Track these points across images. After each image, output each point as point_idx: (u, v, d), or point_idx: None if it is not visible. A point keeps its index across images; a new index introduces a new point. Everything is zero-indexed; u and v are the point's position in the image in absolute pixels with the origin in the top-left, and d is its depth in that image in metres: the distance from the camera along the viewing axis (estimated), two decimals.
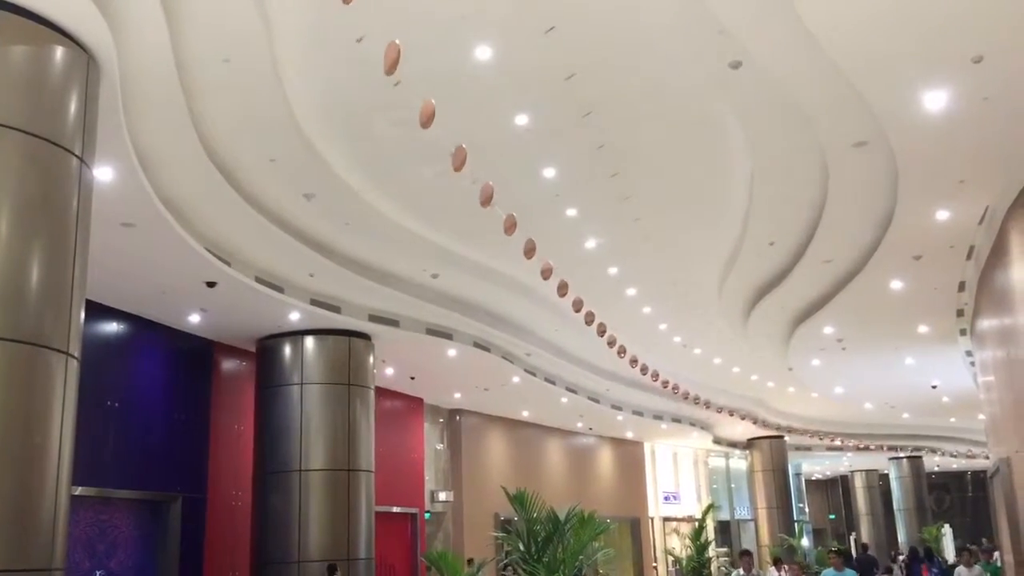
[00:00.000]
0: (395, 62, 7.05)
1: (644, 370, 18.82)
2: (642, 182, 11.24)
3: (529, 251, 10.31)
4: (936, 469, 43.38)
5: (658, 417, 25.71)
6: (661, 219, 12.50)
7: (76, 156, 6.14)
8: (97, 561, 12.15)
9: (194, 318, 13.36)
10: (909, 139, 9.06)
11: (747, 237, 12.89)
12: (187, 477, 13.78)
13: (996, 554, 21.57)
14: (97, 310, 12.28)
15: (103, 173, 8.23)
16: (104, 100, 6.83)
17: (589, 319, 14.47)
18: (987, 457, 28.75)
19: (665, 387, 20.91)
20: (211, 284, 11.76)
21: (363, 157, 10.16)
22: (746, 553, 11.30)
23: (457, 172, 8.47)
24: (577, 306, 13.34)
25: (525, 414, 23.48)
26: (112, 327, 12.72)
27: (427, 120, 7.69)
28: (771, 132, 9.78)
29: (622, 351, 17.32)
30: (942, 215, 11.20)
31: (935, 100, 8.18)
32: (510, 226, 10.01)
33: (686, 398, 22.70)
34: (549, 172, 10.78)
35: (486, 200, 9.16)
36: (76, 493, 11.60)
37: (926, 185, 10.27)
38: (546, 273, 11.62)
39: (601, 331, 15.44)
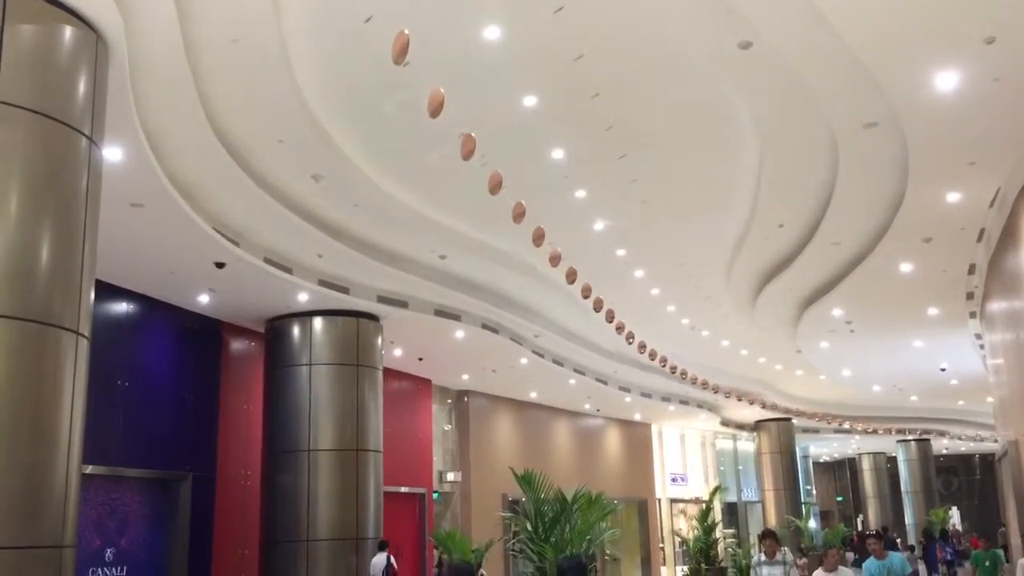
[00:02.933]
0: (403, 51, 6.98)
1: (653, 355, 18.82)
2: (650, 163, 11.21)
3: (538, 238, 10.27)
4: (944, 452, 43.40)
5: (666, 399, 25.75)
6: (669, 201, 12.47)
7: (85, 136, 6.14)
8: (107, 539, 12.25)
9: (203, 298, 13.41)
10: (920, 120, 9.02)
11: (756, 219, 12.85)
12: (196, 456, 13.87)
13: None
14: (106, 290, 12.32)
15: (112, 153, 8.24)
16: (113, 80, 6.83)
17: (598, 306, 14.47)
18: (995, 440, 28.72)
19: (673, 372, 20.91)
20: (220, 265, 11.79)
21: (371, 138, 10.16)
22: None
23: (466, 161, 8.42)
24: (586, 292, 13.33)
25: (533, 395, 23.53)
26: (121, 307, 12.77)
27: (436, 109, 7.61)
28: (781, 113, 9.73)
29: (631, 337, 17.34)
30: (952, 197, 11.15)
31: (946, 81, 8.13)
32: (519, 214, 9.98)
33: (694, 382, 22.73)
34: (557, 154, 10.75)
35: (495, 187, 9.11)
36: (86, 472, 11.69)
37: (937, 167, 10.22)
38: (555, 260, 11.58)
39: (610, 317, 15.43)
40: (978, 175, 10.39)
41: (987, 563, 14.61)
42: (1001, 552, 15.00)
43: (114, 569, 12.26)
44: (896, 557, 9.85)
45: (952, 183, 10.78)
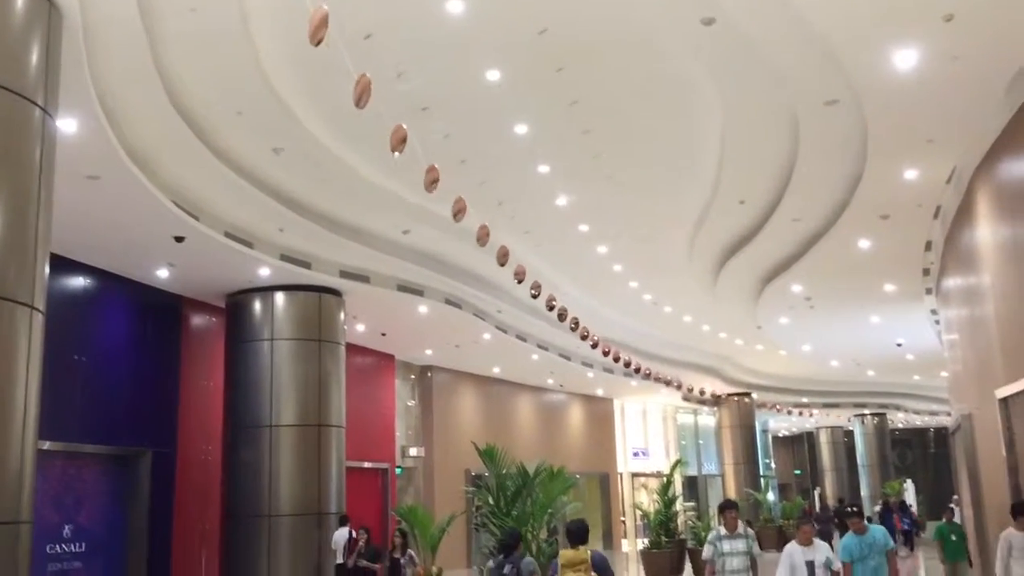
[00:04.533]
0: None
1: (595, 344, 18.99)
2: (614, 139, 11.22)
3: (458, 212, 9.79)
4: (900, 426, 44.19)
5: (628, 375, 25.93)
6: (633, 176, 12.50)
7: (39, 106, 6.02)
8: (65, 515, 12.14)
9: (162, 273, 13.24)
10: (879, 98, 9.11)
11: (718, 195, 12.93)
12: (156, 432, 13.75)
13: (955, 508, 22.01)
14: (63, 264, 12.13)
15: (67, 124, 8.08)
16: (67, 49, 6.69)
17: (533, 287, 14.51)
18: (949, 414, 29.33)
19: (617, 361, 21.06)
20: (179, 239, 11.65)
21: (332, 111, 10.05)
22: (730, 506, 8.32)
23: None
24: (520, 275, 13.34)
25: (496, 371, 23.59)
26: (78, 281, 12.58)
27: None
28: (743, 90, 9.77)
29: (584, 333, 17.50)
30: (910, 174, 11.30)
31: (905, 59, 8.21)
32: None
33: (627, 366, 22.90)
34: (521, 128, 10.72)
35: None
36: (43, 448, 11.56)
37: (895, 144, 10.34)
38: (502, 258, 11.33)
39: (560, 314, 15.52)
40: (935, 153, 10.53)
41: (953, 537, 13.25)
42: (963, 526, 13.74)
43: (72, 545, 12.15)
44: (878, 531, 8.93)
45: (910, 160, 10.92)
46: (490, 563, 8.24)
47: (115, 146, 8.86)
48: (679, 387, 27.55)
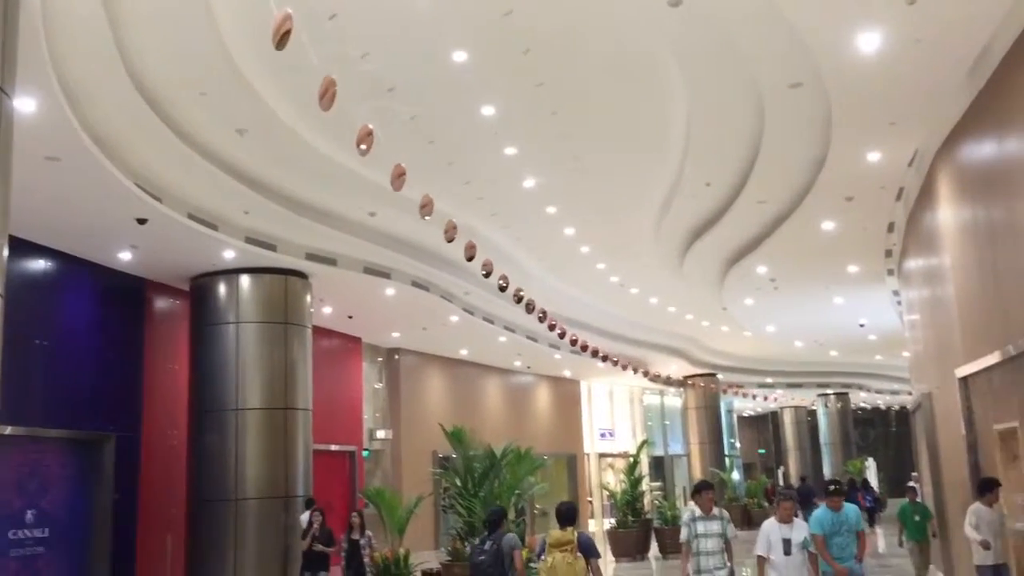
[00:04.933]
0: (282, 32, 6.49)
1: (563, 334, 19.15)
2: (581, 121, 11.22)
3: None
4: (862, 405, 44.87)
5: (595, 356, 26.04)
6: (600, 158, 12.52)
7: None
8: (28, 500, 11.99)
9: (125, 255, 13.08)
10: (843, 80, 9.18)
11: (684, 177, 13.00)
12: (120, 416, 13.62)
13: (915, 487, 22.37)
14: (23, 247, 11.94)
15: (25, 104, 7.93)
16: (24, 25, 6.53)
17: (518, 295, 14.60)
18: (910, 393, 29.79)
19: (585, 350, 21.20)
20: (142, 221, 11.50)
21: (297, 92, 9.93)
22: (706, 487, 7.95)
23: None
24: (487, 267, 13.36)
25: (463, 353, 23.60)
26: (39, 264, 12.39)
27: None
28: (709, 72, 9.81)
29: (552, 323, 17.60)
30: (873, 156, 11.41)
31: (869, 42, 8.27)
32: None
33: (584, 350, 23.01)
34: (488, 110, 10.69)
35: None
36: (5, 433, 11.42)
37: (858, 126, 10.44)
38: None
39: (528, 305, 15.57)
40: (898, 135, 10.64)
41: (916, 517, 13.06)
42: (929, 507, 13.36)
43: (36, 531, 12.02)
44: (851, 510, 8.77)
45: (873, 143, 11.03)
46: (476, 539, 8.39)
47: (75, 127, 8.71)
48: (646, 373, 27.80)
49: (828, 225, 14.72)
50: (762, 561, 7.81)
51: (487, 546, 7.85)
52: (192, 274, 14.28)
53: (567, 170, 12.92)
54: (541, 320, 17.27)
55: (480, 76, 9.82)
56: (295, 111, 10.32)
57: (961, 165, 9.71)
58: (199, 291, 14.42)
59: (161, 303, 14.87)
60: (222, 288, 14.18)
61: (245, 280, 14.17)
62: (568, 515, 7.72)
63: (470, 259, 11.71)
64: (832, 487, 9.02)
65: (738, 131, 11.25)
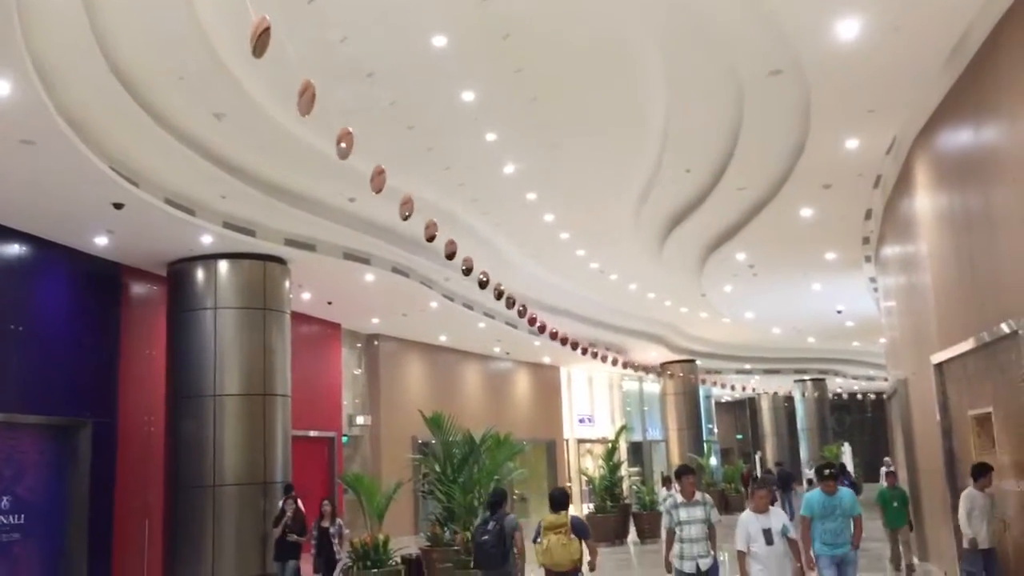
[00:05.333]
0: (256, 34, 6.41)
1: (543, 328, 19.22)
2: (561, 107, 11.20)
3: (377, 175, 9.50)
4: (838, 391, 45.24)
5: (574, 342, 26.09)
6: (579, 145, 12.50)
7: None
8: (3, 487, 11.90)
9: (101, 240, 12.96)
10: (822, 68, 9.21)
11: (664, 164, 13.01)
12: (97, 402, 13.53)
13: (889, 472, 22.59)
14: None
15: None
16: None
17: (498, 291, 14.59)
18: (886, 379, 30.05)
19: (565, 343, 21.29)
20: (118, 205, 11.39)
21: (275, 76, 9.84)
22: (687, 471, 7.88)
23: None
24: (467, 264, 13.39)
25: (443, 339, 23.59)
26: (13, 249, 12.26)
27: (253, 34, 6.65)
28: (688, 59, 9.81)
29: (532, 317, 17.69)
30: (851, 144, 11.47)
31: (848, 28, 8.30)
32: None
33: (584, 352, 23.21)
34: (468, 95, 10.64)
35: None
36: None
37: (837, 114, 10.48)
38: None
39: (508, 300, 15.63)
40: (876, 122, 10.70)
41: (895, 503, 12.63)
42: (906, 491, 13.04)
43: (11, 517, 11.94)
44: (847, 494, 8.38)
45: (851, 130, 11.08)
46: (477, 520, 8.67)
47: (50, 110, 8.61)
48: (625, 364, 27.95)
49: (806, 212, 14.79)
50: (743, 556, 7.41)
51: (490, 526, 8.12)
52: (169, 259, 14.18)
53: (547, 156, 12.90)
54: (521, 315, 17.34)
55: (460, 61, 9.78)
56: (273, 96, 10.23)
57: (938, 152, 9.78)
58: (176, 276, 14.32)
59: (138, 288, 14.76)
60: (200, 274, 14.09)
61: (223, 266, 14.08)
62: (561, 500, 8.02)
63: (430, 239, 11.72)
64: (827, 471, 8.63)
65: (718, 118, 11.27)
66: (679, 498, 7.74)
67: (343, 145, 7.80)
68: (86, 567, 13.03)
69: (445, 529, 10.49)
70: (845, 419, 48.79)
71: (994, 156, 7.87)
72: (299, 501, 10.94)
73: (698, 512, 7.66)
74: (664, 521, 7.79)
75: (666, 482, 19.17)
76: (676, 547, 7.66)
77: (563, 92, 10.74)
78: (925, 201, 10.52)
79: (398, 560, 9.78)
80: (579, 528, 7.87)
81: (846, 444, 41.12)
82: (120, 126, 10.08)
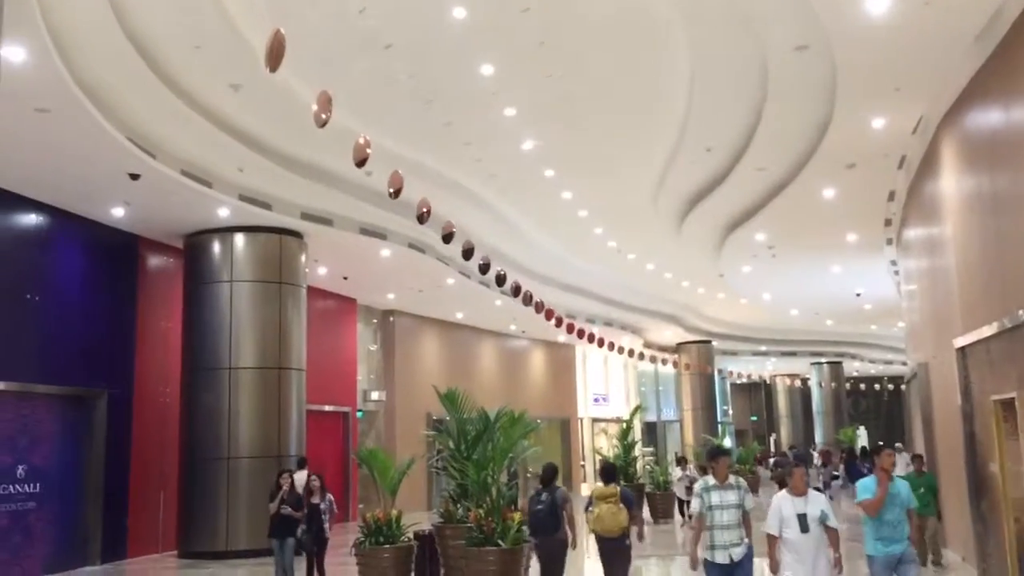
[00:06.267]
0: (276, 55, 6.49)
1: (559, 321, 19.24)
2: (581, 82, 11.05)
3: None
4: (855, 374, 44.98)
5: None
6: (600, 121, 12.35)
7: None
8: (19, 456, 11.94)
9: (118, 211, 12.93)
10: (850, 43, 9.01)
11: (685, 142, 12.84)
12: (113, 373, 13.55)
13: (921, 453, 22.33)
14: (14, 201, 11.82)
15: (14, 53, 7.77)
16: None
17: (516, 288, 14.58)
18: (903, 363, 29.79)
19: (582, 336, 21.26)
20: (134, 176, 11.34)
21: (295, 47, 9.72)
22: (721, 452, 7.30)
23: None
24: (467, 255, 13.42)
25: (459, 316, 23.53)
26: (31, 219, 12.25)
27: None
28: (713, 34, 9.63)
29: (540, 305, 17.72)
30: (877, 123, 11.27)
31: (877, 3, 8.10)
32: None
33: (591, 340, 23.29)
34: (487, 69, 10.50)
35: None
36: None
37: (864, 91, 10.28)
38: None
39: (526, 295, 15.62)
40: (903, 101, 10.49)
41: (922, 489, 10.70)
42: (934, 478, 11.66)
43: (27, 486, 11.99)
44: (902, 484, 7.34)
45: (878, 109, 10.87)
46: (531, 492, 9.03)
47: (65, 77, 8.55)
48: (641, 356, 27.98)
49: (829, 193, 14.59)
50: (773, 540, 6.66)
51: (543, 497, 8.64)
52: (186, 231, 14.15)
53: (567, 132, 12.76)
54: (527, 303, 17.40)
55: (480, 34, 9.64)
56: (290, 66, 10.11)
57: (966, 133, 9.58)
58: (193, 249, 14.30)
59: (155, 260, 14.75)
60: (216, 246, 14.07)
61: (239, 239, 14.06)
62: (611, 473, 8.83)
63: (448, 239, 11.78)
64: (882, 446, 7.54)
65: (741, 95, 11.09)
66: (711, 480, 7.01)
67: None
68: (100, 536, 13.11)
69: (458, 506, 10.44)
70: (860, 403, 48.54)
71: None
72: (294, 477, 10.70)
73: (731, 496, 6.88)
74: (694, 505, 7.04)
75: (680, 462, 19.09)
76: (705, 535, 6.89)
77: (584, 67, 10.59)
78: (951, 182, 10.32)
79: (411, 536, 9.74)
80: (628, 499, 8.48)
81: (861, 428, 40.94)
82: (136, 96, 10.01)
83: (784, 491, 6.80)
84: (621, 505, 8.38)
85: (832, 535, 6.60)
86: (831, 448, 32.46)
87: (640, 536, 8.85)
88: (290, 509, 10.10)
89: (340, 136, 11.93)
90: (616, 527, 8.33)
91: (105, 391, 13.35)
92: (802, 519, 6.55)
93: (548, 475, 8.92)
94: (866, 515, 7.20)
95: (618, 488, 8.52)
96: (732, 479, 7.03)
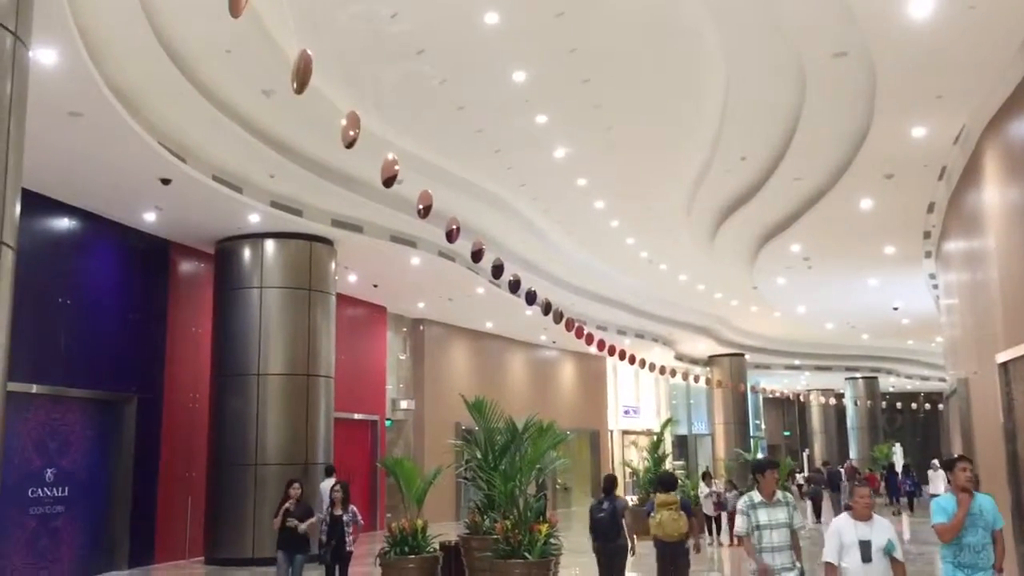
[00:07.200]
0: (304, 74, 6.46)
1: (590, 339, 19.14)
2: (614, 89, 10.90)
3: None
4: (891, 390, 44.26)
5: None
6: (632, 129, 12.20)
7: (10, 31, 5.70)
8: (48, 459, 11.97)
9: (149, 216, 12.97)
10: (891, 49, 8.80)
11: (719, 151, 12.65)
12: (143, 377, 13.58)
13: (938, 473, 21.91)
14: (46, 204, 11.87)
15: (46, 56, 7.77)
16: None
17: (546, 304, 14.47)
18: (941, 379, 29.24)
19: (601, 348, 21.18)
20: (165, 181, 11.36)
21: (326, 53, 9.70)
22: (769, 465, 6.64)
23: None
24: (497, 272, 13.35)
25: (489, 326, 23.42)
26: (63, 223, 12.31)
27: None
28: (749, 39, 9.45)
29: (565, 318, 17.66)
30: (918, 132, 11.01)
31: (920, 7, 7.89)
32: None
33: (570, 328, 23.06)
34: (519, 76, 10.39)
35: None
36: (28, 391, 11.38)
37: (904, 99, 10.04)
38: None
39: (516, 288, 15.53)
40: (944, 110, 10.24)
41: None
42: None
43: (55, 489, 12.01)
44: (986, 501, 6.28)
45: (918, 117, 10.62)
46: (592, 501, 9.54)
47: (97, 81, 8.55)
48: (673, 373, 27.78)
49: (866, 204, 14.31)
50: (832, 570, 5.82)
51: (605, 506, 9.11)
52: (217, 237, 14.17)
53: (599, 141, 12.61)
54: (557, 321, 17.29)
55: (512, 40, 9.54)
56: (322, 72, 10.06)
57: (1010, 143, 9.31)
58: (224, 254, 14.32)
59: (186, 265, 14.79)
60: (247, 252, 14.08)
61: (270, 245, 14.06)
62: (670, 482, 9.53)
63: (477, 257, 11.76)
64: (957, 458, 6.52)
65: (777, 103, 10.89)
66: (757, 496, 6.41)
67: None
68: (128, 541, 13.11)
69: (485, 517, 10.30)
70: (896, 419, 47.76)
71: None
72: (321, 485, 10.22)
73: (780, 514, 6.31)
74: (739, 525, 6.41)
75: (704, 477, 18.75)
76: (755, 557, 6.30)
77: (617, 74, 10.45)
78: (994, 194, 10.04)
79: (436, 547, 9.61)
80: (686, 506, 9.32)
81: (897, 444, 40.26)
82: (168, 100, 10.02)
83: (845, 514, 6.01)
84: (681, 512, 9.09)
85: (898, 569, 5.84)
86: (855, 464, 32.04)
87: (697, 548, 9.70)
88: (296, 521, 9.36)
89: (371, 143, 11.90)
90: (676, 532, 9.01)
91: (135, 395, 13.37)
92: (865, 547, 5.78)
93: (609, 485, 9.48)
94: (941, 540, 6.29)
95: (678, 497, 9.28)
96: (780, 495, 6.47)
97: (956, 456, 6.64)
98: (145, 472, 13.47)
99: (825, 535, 5.99)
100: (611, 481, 9.56)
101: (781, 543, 6.24)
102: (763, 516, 6.30)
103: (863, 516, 5.86)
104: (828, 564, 5.82)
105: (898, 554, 5.81)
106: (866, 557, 5.72)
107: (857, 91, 10.02)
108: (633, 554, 9.21)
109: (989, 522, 6.18)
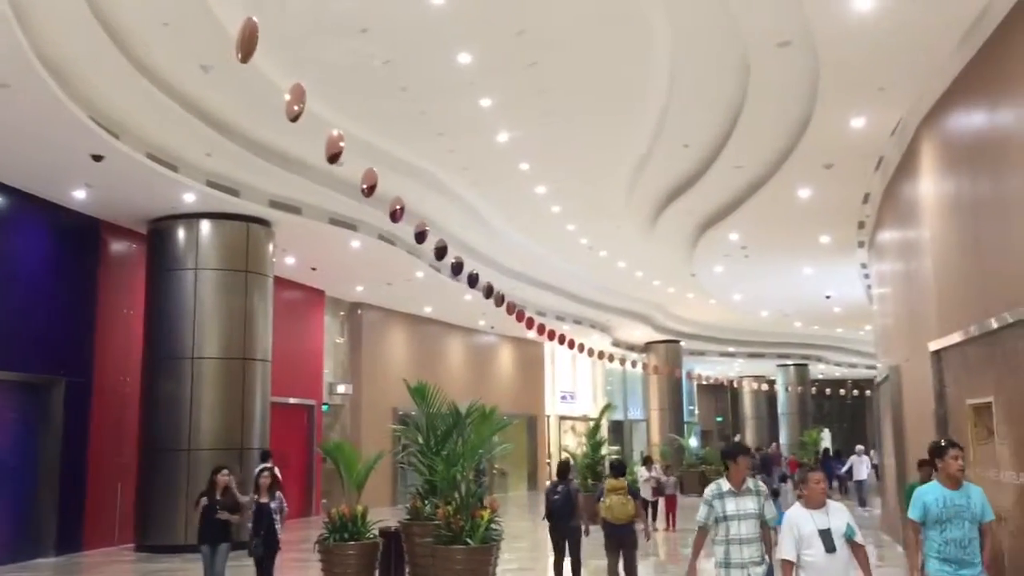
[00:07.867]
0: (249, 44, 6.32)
1: (531, 323, 19.16)
2: (560, 74, 10.85)
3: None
4: (820, 377, 45.25)
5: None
6: (577, 114, 12.17)
7: None
8: None
9: (79, 194, 12.56)
10: (834, 40, 8.88)
11: (662, 137, 12.69)
12: (71, 360, 13.19)
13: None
14: None
15: None
16: None
17: (473, 279, 14.48)
18: (869, 367, 29.91)
19: (552, 338, 21.26)
20: (97, 158, 11.00)
21: (267, 28, 9.43)
22: (742, 451, 6.10)
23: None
24: (440, 254, 13.29)
25: (428, 310, 23.30)
26: None
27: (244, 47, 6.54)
28: (695, 26, 9.47)
29: (511, 305, 17.67)
30: (857, 123, 11.17)
31: None
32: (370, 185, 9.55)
33: (562, 342, 23.33)
34: (464, 58, 10.27)
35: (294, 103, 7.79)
36: None
37: (846, 90, 10.17)
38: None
39: (458, 271, 15.56)
40: (885, 102, 10.40)
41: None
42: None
43: None
44: (975, 491, 5.84)
45: (858, 108, 10.78)
46: (547, 484, 10.43)
47: (25, 50, 8.22)
48: (611, 358, 28.03)
49: (804, 193, 14.52)
50: (789, 567, 5.33)
51: (559, 489, 9.78)
52: (150, 217, 13.81)
53: (543, 125, 12.56)
54: (499, 305, 17.27)
55: (458, 21, 9.41)
56: (263, 49, 9.81)
57: (947, 135, 9.50)
58: (157, 235, 13.97)
59: (117, 245, 14.38)
60: (181, 232, 13.75)
61: (205, 225, 13.76)
62: (620, 468, 9.95)
63: (420, 238, 11.67)
64: (951, 443, 6.00)
65: (721, 91, 10.95)
66: (725, 485, 5.92)
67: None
68: (55, 528, 12.76)
69: (426, 503, 10.22)
70: (825, 405, 48.85)
71: (1007, 141, 7.58)
72: (276, 469, 10.25)
73: (750, 504, 5.83)
74: (701, 514, 5.97)
75: (646, 462, 18.92)
76: (719, 550, 5.84)
77: (564, 58, 10.39)
78: (929, 185, 10.25)
79: (376, 533, 9.50)
80: (633, 491, 9.69)
81: (826, 430, 41.18)
82: (102, 74, 9.68)
83: (797, 505, 5.55)
84: (629, 496, 9.49)
85: (860, 553, 5.43)
86: (780, 449, 32.87)
87: (647, 535, 10.60)
88: (227, 513, 8.88)
89: (312, 123, 11.66)
90: (625, 515, 9.44)
91: (63, 378, 12.99)
92: (826, 536, 5.31)
93: (563, 469, 10.18)
94: (924, 528, 5.87)
95: (626, 481, 9.66)
96: (750, 483, 5.96)
97: (944, 442, 6.04)
98: (73, 457, 13.10)
99: (781, 531, 5.55)
100: (565, 466, 10.34)
101: (749, 535, 5.80)
102: (730, 506, 5.84)
103: (818, 503, 5.43)
104: (786, 562, 5.36)
105: (858, 537, 5.42)
106: (830, 547, 5.29)
107: (799, 81, 10.12)
108: (587, 535, 9.88)
109: (976, 515, 5.74)
